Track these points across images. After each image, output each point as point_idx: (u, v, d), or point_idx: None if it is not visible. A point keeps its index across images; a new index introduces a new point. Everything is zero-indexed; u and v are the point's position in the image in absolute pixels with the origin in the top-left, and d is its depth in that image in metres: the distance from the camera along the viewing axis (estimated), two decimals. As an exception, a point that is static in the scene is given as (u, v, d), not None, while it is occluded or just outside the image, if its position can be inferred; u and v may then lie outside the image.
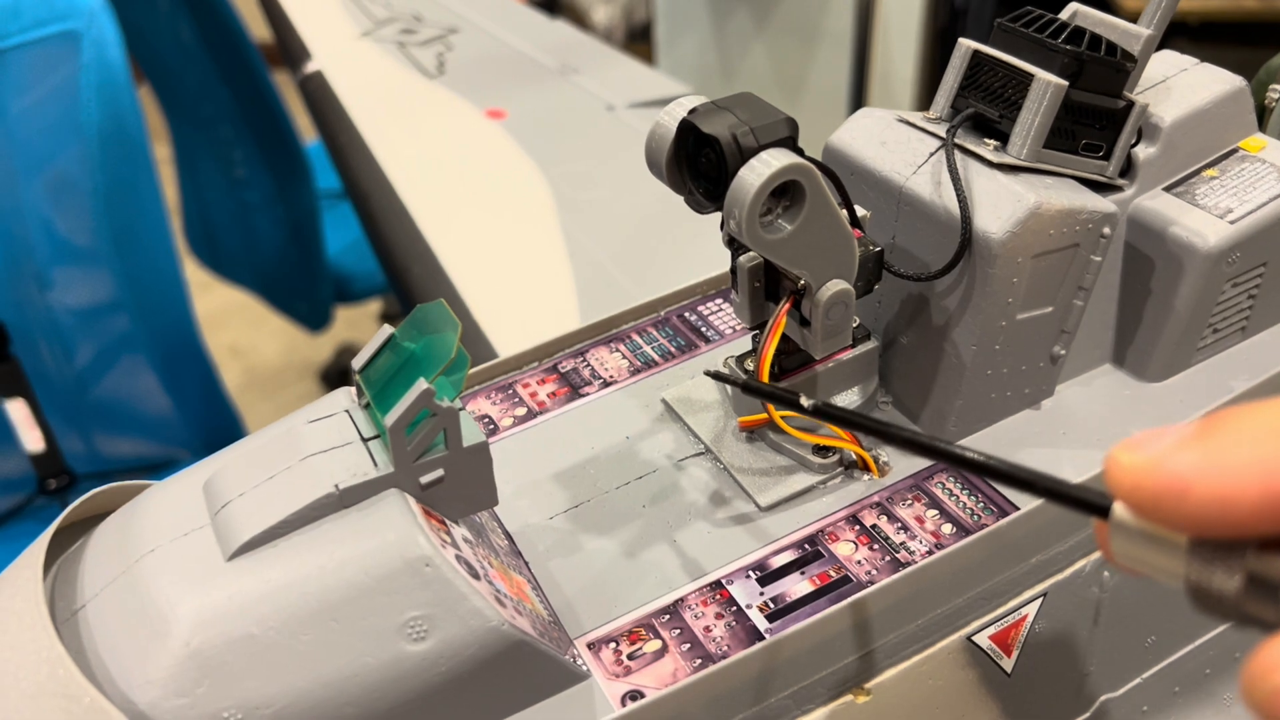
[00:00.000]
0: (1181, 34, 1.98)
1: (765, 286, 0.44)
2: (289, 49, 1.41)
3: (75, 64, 1.10)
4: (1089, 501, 0.27)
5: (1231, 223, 0.46)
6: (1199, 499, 0.24)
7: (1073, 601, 0.45)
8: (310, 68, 1.32)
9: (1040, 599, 0.44)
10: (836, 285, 0.42)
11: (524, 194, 1.04)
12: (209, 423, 1.32)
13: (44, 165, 1.11)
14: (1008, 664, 0.45)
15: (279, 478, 0.36)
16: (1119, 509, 0.26)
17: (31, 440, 1.20)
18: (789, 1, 2.30)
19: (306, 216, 1.66)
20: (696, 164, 0.40)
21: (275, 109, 1.52)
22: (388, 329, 0.39)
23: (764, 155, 0.37)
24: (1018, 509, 0.43)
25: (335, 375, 2.29)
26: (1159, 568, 0.26)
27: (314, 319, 1.80)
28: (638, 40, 2.93)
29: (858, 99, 2.19)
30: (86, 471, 1.23)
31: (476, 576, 0.36)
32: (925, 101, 0.45)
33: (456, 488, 0.38)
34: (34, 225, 1.13)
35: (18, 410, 1.18)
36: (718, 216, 0.40)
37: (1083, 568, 0.45)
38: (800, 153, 0.39)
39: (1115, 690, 0.50)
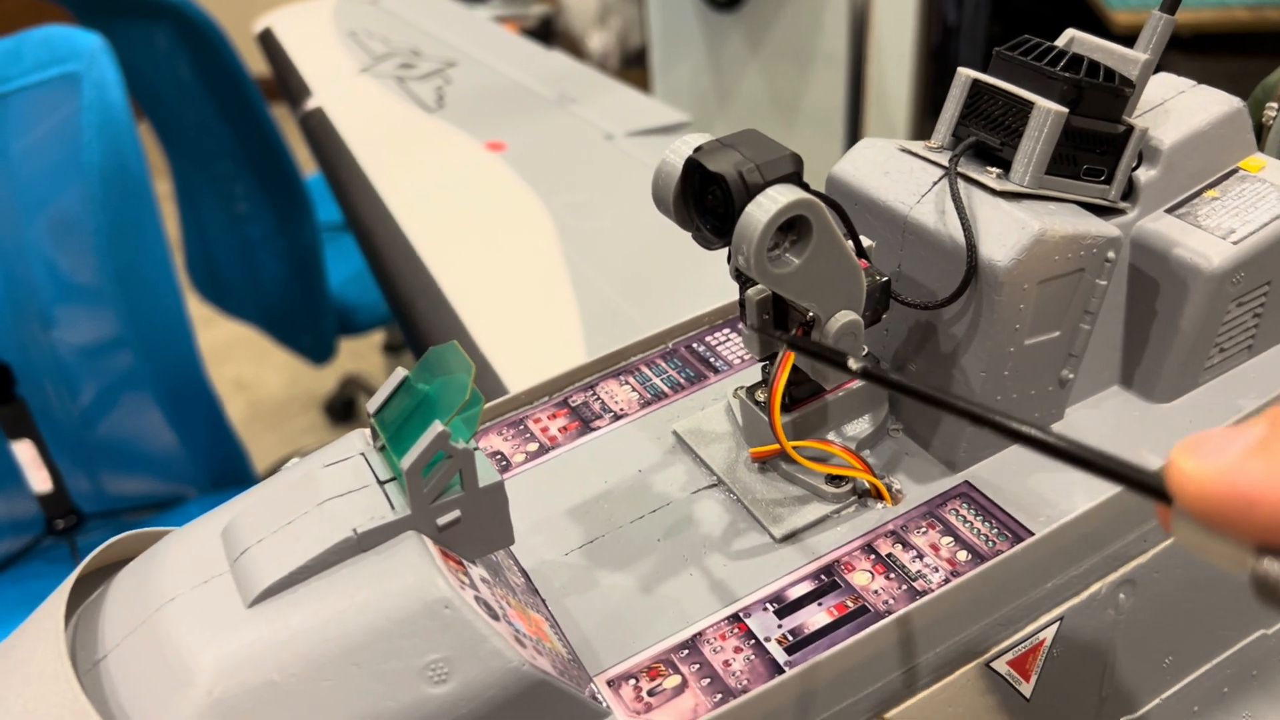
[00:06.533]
0: (1175, 47, 1.99)
1: (774, 318, 0.45)
2: (289, 87, 1.42)
3: (76, 105, 1.11)
4: (1154, 488, 0.27)
5: (1234, 243, 0.46)
6: (1268, 512, 0.23)
7: (1089, 625, 0.45)
8: (310, 105, 1.33)
9: (1057, 623, 0.44)
10: (845, 316, 0.42)
11: (526, 225, 1.04)
12: (215, 458, 1.32)
13: (46, 205, 1.12)
14: (1026, 689, 0.44)
15: (297, 523, 0.36)
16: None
17: (39, 481, 1.20)
18: (782, 24, 2.32)
19: (308, 250, 1.66)
20: (703, 201, 0.41)
21: (275, 144, 1.53)
22: (401, 371, 0.39)
23: (770, 191, 0.38)
24: (1032, 534, 0.43)
25: (339, 406, 2.30)
26: (1222, 557, 0.26)
27: (317, 351, 1.81)
28: (633, 66, 2.96)
29: (854, 120, 2.20)
30: (94, 510, 1.23)
31: (495, 617, 0.36)
32: (921, 121, 0.46)
33: (473, 528, 0.38)
34: (37, 265, 1.13)
35: (25, 451, 1.18)
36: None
37: (1098, 591, 0.45)
38: (806, 187, 0.39)
39: (1134, 712, 0.50)
